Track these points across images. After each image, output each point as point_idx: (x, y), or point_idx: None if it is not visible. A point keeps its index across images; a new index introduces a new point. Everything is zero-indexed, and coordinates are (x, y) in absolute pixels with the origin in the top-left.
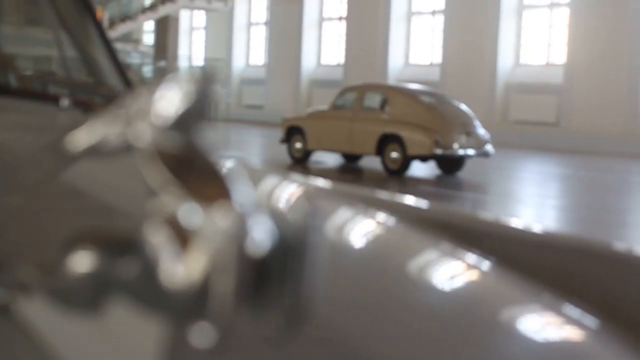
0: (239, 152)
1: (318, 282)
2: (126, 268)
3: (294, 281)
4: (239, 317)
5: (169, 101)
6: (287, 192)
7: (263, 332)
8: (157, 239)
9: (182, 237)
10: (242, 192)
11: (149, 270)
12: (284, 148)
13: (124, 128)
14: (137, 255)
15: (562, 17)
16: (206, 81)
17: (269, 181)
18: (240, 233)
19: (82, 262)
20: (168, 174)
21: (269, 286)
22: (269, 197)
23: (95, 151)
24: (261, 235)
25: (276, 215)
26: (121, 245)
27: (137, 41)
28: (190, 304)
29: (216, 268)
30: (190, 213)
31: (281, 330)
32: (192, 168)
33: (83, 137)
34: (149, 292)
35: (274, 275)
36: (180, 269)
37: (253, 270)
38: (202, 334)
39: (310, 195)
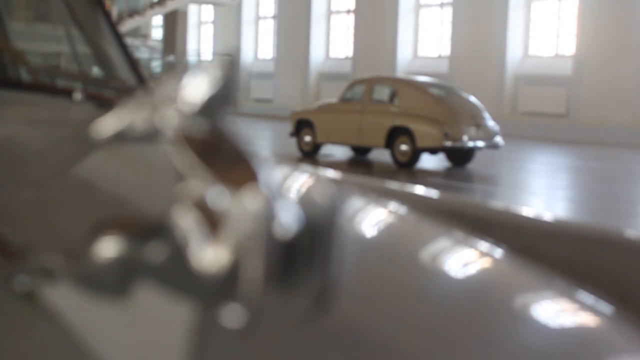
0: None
1: (343, 265)
2: (155, 252)
3: (320, 264)
4: (267, 299)
5: (196, 87)
6: (302, 181)
7: (291, 314)
8: (186, 223)
9: (211, 220)
10: (268, 176)
11: (178, 254)
12: (293, 141)
13: (151, 114)
14: (166, 239)
15: (571, 8)
16: (231, 67)
17: (285, 172)
18: (268, 216)
19: (110, 247)
20: (196, 159)
21: (296, 269)
22: (292, 190)
23: (122, 137)
24: (289, 218)
25: (303, 199)
26: (150, 230)
27: (145, 36)
28: (219, 287)
29: (245, 251)
30: (218, 197)
31: (308, 311)
32: (219, 152)
33: (110, 123)
34: (178, 275)
35: (301, 258)
36: (209, 252)
37: (281, 253)
38: (230, 317)
39: (332, 181)
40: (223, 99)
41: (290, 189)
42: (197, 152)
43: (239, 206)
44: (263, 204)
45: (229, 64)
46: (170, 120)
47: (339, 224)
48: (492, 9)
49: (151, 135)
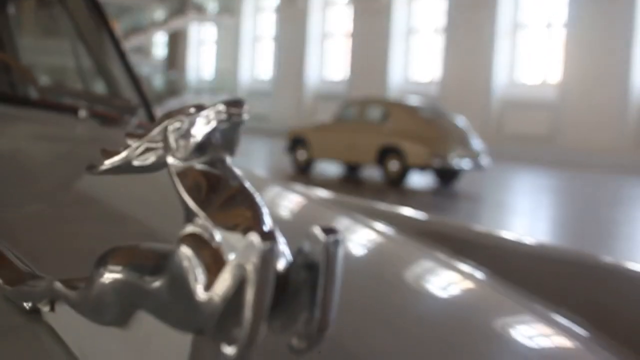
0: (245, 162)
1: (339, 297)
2: (156, 284)
3: (317, 296)
4: (266, 332)
5: (201, 125)
6: (302, 205)
7: (287, 343)
8: (188, 257)
9: (212, 255)
10: (268, 212)
11: (179, 286)
12: (288, 157)
13: (158, 150)
14: (168, 272)
15: (558, 37)
16: (235, 107)
17: (276, 192)
18: (268, 251)
19: (112, 276)
20: (199, 195)
21: (294, 301)
22: (284, 211)
23: (128, 169)
24: (287, 253)
25: (301, 233)
26: (153, 262)
27: (147, 53)
28: (219, 320)
29: (245, 285)
30: (220, 232)
31: (305, 342)
32: (222, 189)
33: (116, 155)
34: (177, 307)
35: (299, 291)
36: (209, 286)
37: (280, 286)
38: (229, 350)
39: (333, 213)
40: (228, 136)
41: (290, 218)
42: (201, 189)
43: (240, 241)
44: (264, 240)
45: (233, 104)
46: (175, 156)
47: (339, 259)
48: (483, 37)
49: (156, 169)
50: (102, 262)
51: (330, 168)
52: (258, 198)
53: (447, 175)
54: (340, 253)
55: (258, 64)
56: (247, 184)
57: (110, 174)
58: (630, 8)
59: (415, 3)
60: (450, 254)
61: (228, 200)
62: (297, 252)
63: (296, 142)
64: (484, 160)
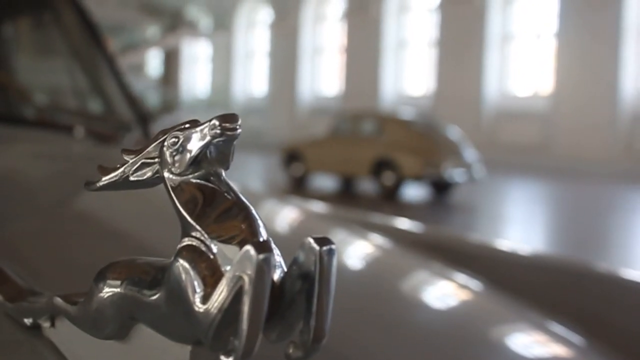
0: (241, 177)
1: (337, 308)
2: (155, 297)
3: (312, 305)
4: (263, 342)
5: (196, 140)
6: (296, 217)
7: (284, 353)
8: (185, 270)
9: (209, 267)
10: (263, 224)
11: (177, 298)
12: (284, 171)
13: (154, 165)
14: (165, 285)
15: (548, 47)
16: (229, 122)
17: (272, 205)
18: (264, 262)
19: (111, 290)
20: (195, 208)
21: (290, 310)
22: (280, 224)
23: (125, 185)
24: (282, 264)
25: (296, 243)
26: (150, 275)
27: (141, 71)
28: (216, 331)
29: (241, 295)
30: (216, 245)
31: (301, 351)
32: (217, 202)
33: (113, 171)
34: (176, 320)
35: (294, 300)
36: (206, 297)
37: (276, 296)
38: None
39: (325, 222)
40: (222, 150)
41: (287, 231)
42: (196, 202)
43: (236, 254)
44: (259, 252)
45: (227, 118)
46: (171, 171)
47: (333, 269)
48: (474, 49)
49: (152, 184)
50: (101, 276)
51: (325, 182)
52: (253, 210)
53: (441, 186)
54: (334, 262)
55: (252, 80)
56: (242, 197)
57: (107, 190)
58: (618, 18)
59: (407, 17)
60: (445, 264)
61: (223, 213)
62: (291, 263)
63: (291, 156)
64: (478, 171)
